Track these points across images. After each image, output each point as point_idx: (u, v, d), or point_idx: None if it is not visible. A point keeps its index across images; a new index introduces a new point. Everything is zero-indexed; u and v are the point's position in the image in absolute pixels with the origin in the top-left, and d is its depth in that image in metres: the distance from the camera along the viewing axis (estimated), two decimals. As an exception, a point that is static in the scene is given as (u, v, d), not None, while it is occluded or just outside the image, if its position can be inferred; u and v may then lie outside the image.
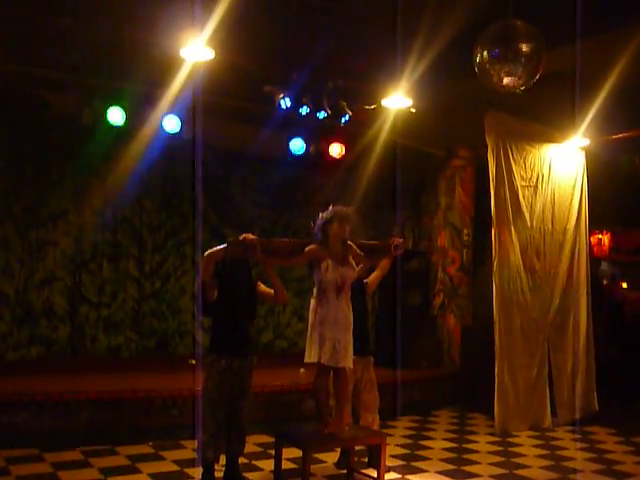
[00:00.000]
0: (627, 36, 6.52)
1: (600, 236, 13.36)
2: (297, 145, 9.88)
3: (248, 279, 5.64)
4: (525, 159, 8.81)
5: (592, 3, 5.73)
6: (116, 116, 8.22)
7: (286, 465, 5.83)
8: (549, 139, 9.17)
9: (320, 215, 5.40)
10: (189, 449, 6.88)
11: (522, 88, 5.79)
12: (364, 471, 6.10)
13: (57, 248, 9.18)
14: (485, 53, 5.60)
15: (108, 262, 9.59)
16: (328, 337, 5.20)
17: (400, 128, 9.00)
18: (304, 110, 8.02)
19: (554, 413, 8.83)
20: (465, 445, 7.67)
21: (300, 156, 9.95)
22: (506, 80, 5.61)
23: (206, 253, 5.35)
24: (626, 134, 9.17)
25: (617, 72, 7.10)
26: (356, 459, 6.36)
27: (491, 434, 8.18)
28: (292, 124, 8.71)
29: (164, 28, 6.20)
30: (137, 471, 6.19)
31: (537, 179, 8.93)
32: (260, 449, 6.99)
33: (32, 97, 7.88)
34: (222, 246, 5.32)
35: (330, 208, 5.40)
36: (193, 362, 8.82)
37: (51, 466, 6.20)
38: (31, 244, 9.00)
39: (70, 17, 6.41)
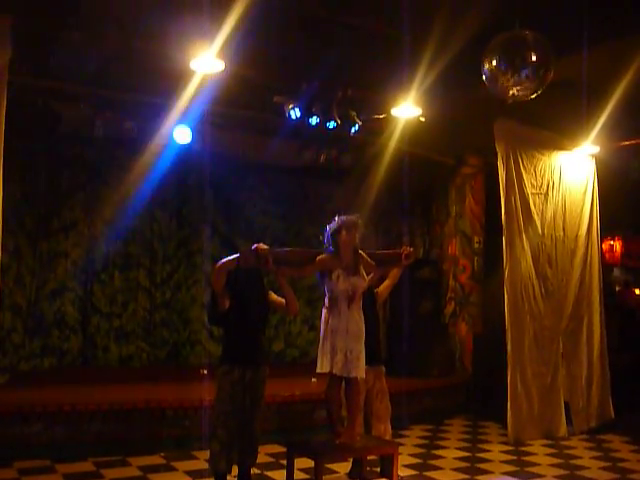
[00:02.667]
0: (636, 43, 6.51)
1: (612, 242, 13.31)
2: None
3: (260, 289, 5.64)
4: (535, 167, 8.80)
5: (601, 11, 5.74)
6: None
7: (298, 475, 5.81)
8: (559, 146, 9.16)
9: (327, 227, 5.40)
10: (201, 460, 6.87)
11: (531, 97, 5.80)
12: (376, 481, 6.09)
13: (68, 259, 9.22)
14: (493, 62, 5.62)
15: (119, 272, 9.63)
16: (340, 347, 5.19)
17: (410, 137, 9.01)
18: (314, 120, 8.04)
19: (569, 422, 8.76)
20: (478, 454, 7.63)
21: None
22: (514, 89, 5.62)
23: (218, 263, 5.36)
24: (636, 141, 9.15)
25: (626, 79, 7.09)
26: (368, 469, 6.35)
27: (504, 443, 8.13)
28: (302, 134, 8.72)
29: (175, 40, 6.23)
30: (149, 482, 6.20)
31: (547, 186, 8.92)
32: (272, 459, 6.98)
33: (44, 109, 7.93)
34: (234, 256, 5.33)
35: (336, 218, 5.40)
36: (204, 372, 8.83)
37: (63, 477, 6.20)
38: (42, 255, 9.05)
39: (82, 30, 6.46)
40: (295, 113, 7.94)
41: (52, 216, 9.16)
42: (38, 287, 8.99)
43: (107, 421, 7.06)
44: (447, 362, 10.40)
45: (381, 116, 8.36)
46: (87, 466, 6.60)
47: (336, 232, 5.33)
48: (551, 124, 8.80)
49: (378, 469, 6.51)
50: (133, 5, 6.15)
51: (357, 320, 5.29)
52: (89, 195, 9.43)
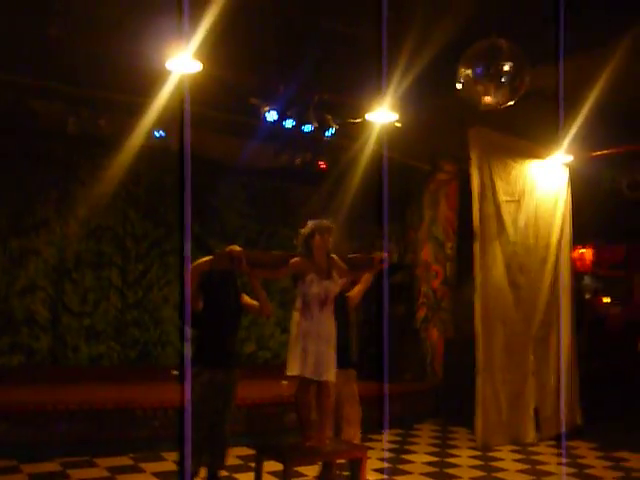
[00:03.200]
0: (608, 54, 6.60)
1: (583, 251, 13.46)
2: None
3: (234, 291, 5.62)
4: (509, 174, 8.88)
5: (574, 22, 5.81)
6: None
7: (267, 478, 5.80)
8: (533, 155, 9.25)
9: (300, 232, 5.39)
10: (169, 461, 6.84)
11: (505, 105, 5.86)
12: (345, 485, 6.09)
13: (40, 257, 9.14)
14: (469, 70, 5.68)
15: (91, 271, 9.56)
16: (311, 350, 5.18)
17: (385, 142, 9.04)
18: (289, 123, 8.06)
19: (537, 428, 8.84)
20: (447, 459, 7.68)
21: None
22: (488, 98, 5.68)
23: (192, 265, 5.34)
24: (608, 151, 9.27)
25: (599, 89, 7.18)
26: (337, 472, 6.34)
27: (473, 448, 8.19)
28: (278, 136, 8.73)
29: (151, 40, 6.20)
30: (116, 483, 6.16)
31: (520, 194, 9.00)
32: (241, 462, 6.96)
33: (18, 105, 7.85)
34: (208, 258, 5.31)
35: (308, 223, 5.40)
36: (175, 373, 8.78)
37: (28, 477, 6.14)
38: (13, 252, 8.96)
39: (57, 27, 6.40)
40: (271, 116, 7.95)
41: (24, 213, 9.07)
42: (8, 285, 8.90)
43: (75, 421, 7.00)
44: (418, 367, 10.45)
45: (357, 120, 8.39)
46: (53, 466, 6.54)
47: (309, 236, 5.32)
48: (525, 132, 8.88)
49: (347, 473, 6.51)
50: (110, 4, 6.12)
51: (329, 324, 5.28)
52: (62, 193, 9.36)
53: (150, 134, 8.43)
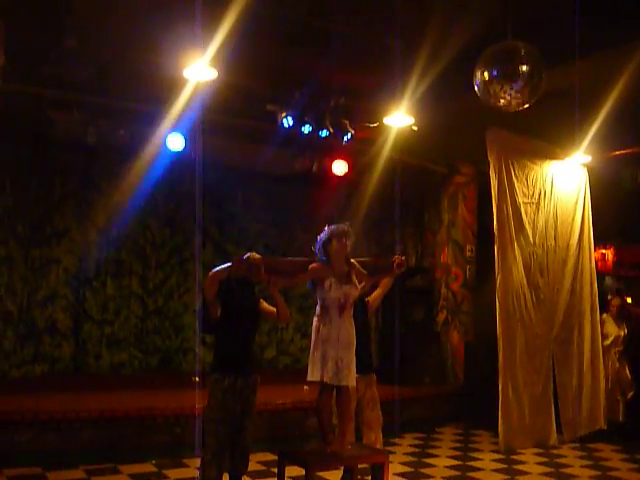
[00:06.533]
0: (627, 53, 6.56)
1: (604, 251, 13.34)
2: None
3: (252, 298, 5.64)
4: (527, 176, 8.84)
5: (591, 21, 5.78)
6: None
7: (289, 484, 5.81)
8: (551, 156, 9.20)
9: (317, 238, 5.39)
10: (192, 468, 6.86)
11: (523, 107, 5.83)
12: (367, 490, 6.08)
13: (60, 266, 9.21)
14: (485, 73, 5.65)
15: (112, 279, 9.62)
16: (331, 355, 5.18)
17: (402, 145, 9.03)
18: (306, 128, 8.08)
19: (560, 430, 8.77)
20: (469, 463, 7.64)
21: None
22: (506, 99, 5.66)
23: (210, 272, 5.36)
24: (627, 150, 9.20)
25: (618, 89, 7.13)
26: (359, 477, 6.33)
27: (495, 451, 8.14)
28: (295, 142, 8.75)
29: (168, 49, 6.25)
30: (140, 490, 6.19)
31: (539, 196, 8.95)
32: (263, 467, 6.97)
33: (37, 116, 7.92)
34: (226, 265, 5.32)
35: (325, 229, 5.39)
36: (196, 379, 8.82)
37: (54, 485, 6.20)
38: (34, 261, 9.04)
39: (75, 37, 6.46)
40: (288, 121, 7.97)
41: (44, 223, 9.15)
42: (30, 294, 8.98)
43: (98, 428, 7.04)
44: (439, 370, 10.40)
45: (373, 125, 8.39)
46: (78, 474, 6.59)
47: (327, 241, 5.33)
48: (543, 133, 8.84)
49: (369, 478, 6.49)
50: (127, 14, 6.17)
51: (348, 329, 5.28)
52: (81, 202, 9.43)
53: (168, 142, 8.46)
